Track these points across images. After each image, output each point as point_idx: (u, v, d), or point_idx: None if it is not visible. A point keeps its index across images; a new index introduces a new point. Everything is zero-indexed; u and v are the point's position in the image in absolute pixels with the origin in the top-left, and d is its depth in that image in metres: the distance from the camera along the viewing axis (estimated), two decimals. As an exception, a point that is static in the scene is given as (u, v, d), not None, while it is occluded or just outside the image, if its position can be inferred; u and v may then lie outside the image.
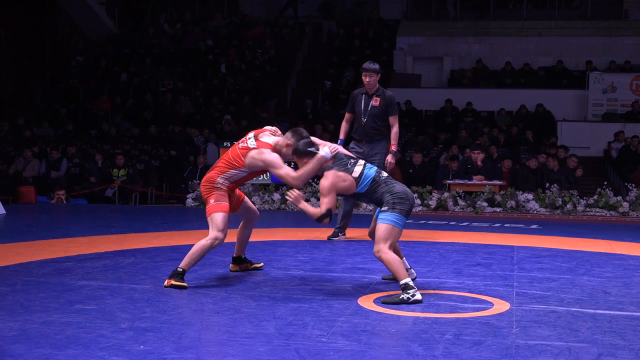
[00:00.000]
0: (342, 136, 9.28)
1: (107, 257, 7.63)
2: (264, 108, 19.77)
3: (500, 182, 13.40)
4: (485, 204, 12.73)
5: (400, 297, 5.62)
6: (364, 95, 9.16)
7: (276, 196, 13.22)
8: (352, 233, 9.50)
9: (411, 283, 5.71)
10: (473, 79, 21.86)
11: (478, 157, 13.79)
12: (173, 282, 6.03)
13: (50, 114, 20.33)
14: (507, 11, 24.45)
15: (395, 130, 9.05)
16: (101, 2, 24.15)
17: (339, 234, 9.31)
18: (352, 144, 9.21)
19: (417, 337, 4.71)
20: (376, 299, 5.77)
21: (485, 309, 5.51)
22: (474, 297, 5.90)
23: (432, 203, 12.85)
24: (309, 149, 6.18)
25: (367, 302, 5.67)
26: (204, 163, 15.64)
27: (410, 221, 11.44)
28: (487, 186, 13.08)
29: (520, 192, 13.01)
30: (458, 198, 12.89)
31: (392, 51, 22.97)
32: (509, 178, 14.28)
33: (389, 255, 5.78)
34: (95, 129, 19.56)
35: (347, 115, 9.30)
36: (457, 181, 13.46)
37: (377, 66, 9.14)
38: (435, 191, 13.31)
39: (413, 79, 22.08)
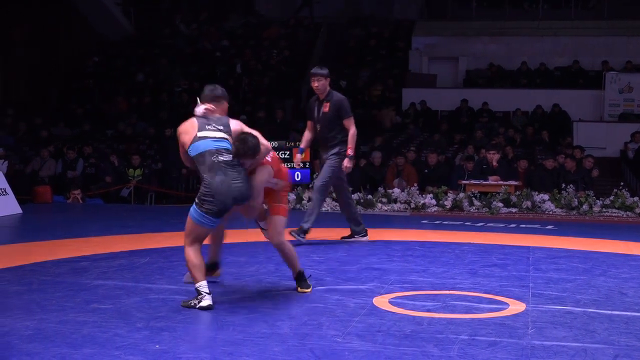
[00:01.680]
0: (302, 145, 9.06)
1: (123, 256, 7.65)
2: (280, 108, 19.76)
3: (516, 183, 13.35)
4: (500, 204, 12.69)
5: (189, 302, 5.40)
6: (316, 102, 8.81)
7: (291, 196, 13.22)
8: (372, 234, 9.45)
9: (205, 288, 5.39)
10: (489, 79, 21.80)
11: (494, 157, 13.75)
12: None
13: (67, 114, 20.40)
14: (523, 11, 24.37)
15: (351, 133, 8.63)
16: (117, 2, 24.23)
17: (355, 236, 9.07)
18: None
19: (433, 337, 4.70)
20: (391, 299, 5.76)
21: (500, 309, 5.49)
22: (490, 298, 5.88)
23: (448, 203, 12.81)
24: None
25: (382, 302, 5.66)
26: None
27: (425, 221, 11.48)
28: (503, 187, 13.04)
29: (536, 193, 12.96)
30: (473, 198, 12.86)
31: (408, 51, 22.93)
32: (525, 178, 14.22)
33: (188, 254, 5.52)
34: (111, 129, 19.62)
35: (308, 124, 8.97)
36: (472, 181, 13.42)
37: (325, 70, 8.70)
38: (450, 191, 13.28)
39: (428, 79, 22.04)
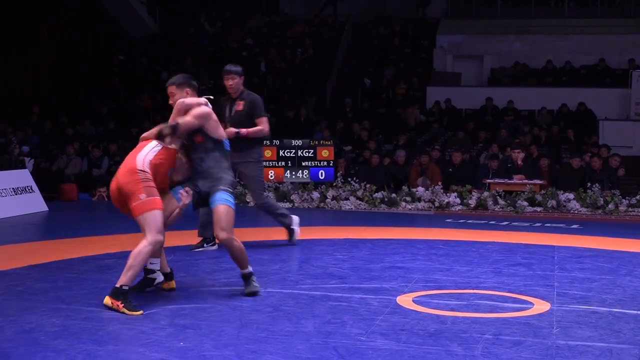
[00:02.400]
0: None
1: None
2: (304, 106, 19.76)
3: (540, 182, 13.28)
4: (525, 203, 12.63)
5: (253, 288, 5.81)
6: (228, 101, 8.41)
7: (315, 195, 13.24)
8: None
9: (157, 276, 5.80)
10: (514, 78, 21.69)
11: (518, 156, 13.68)
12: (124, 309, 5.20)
13: (92, 112, 20.53)
14: (549, 9, 24.21)
15: (260, 128, 8.25)
16: (142, 1, 24.33)
17: (205, 245, 8.22)
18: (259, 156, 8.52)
19: (456, 336, 4.69)
20: (415, 298, 5.75)
21: (525, 309, 5.47)
22: (514, 297, 5.86)
23: (472, 202, 12.77)
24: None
25: (406, 301, 5.66)
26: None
27: (449, 220, 11.45)
28: (528, 185, 12.98)
29: (561, 192, 12.89)
30: (498, 197, 12.81)
31: (432, 50, 22.85)
32: (550, 177, 14.14)
33: (238, 243, 5.74)
34: (136, 127, 19.72)
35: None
36: (497, 180, 13.37)
37: (239, 68, 8.39)
38: (475, 190, 13.23)
39: (453, 77, 21.95)
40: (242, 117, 8.26)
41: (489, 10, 24.27)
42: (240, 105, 8.30)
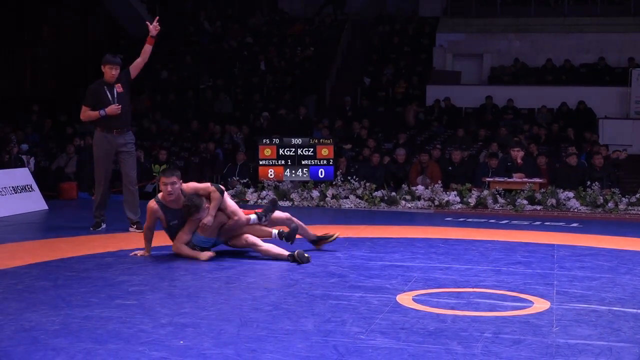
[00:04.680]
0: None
1: (148, 252, 7.69)
2: (303, 105, 19.76)
3: (540, 180, 13.28)
4: (525, 201, 12.63)
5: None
6: (105, 86, 9.27)
7: (315, 193, 13.24)
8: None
9: None
10: (513, 76, 21.69)
11: (518, 154, 13.67)
12: None
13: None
14: (548, 7, 24.20)
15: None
16: (142, 0, 24.33)
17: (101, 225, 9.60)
18: (103, 135, 9.33)
19: (456, 335, 4.69)
20: (415, 296, 5.75)
21: (525, 307, 5.47)
22: (514, 296, 5.86)
23: (472, 201, 12.77)
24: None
25: (405, 299, 5.66)
26: (243, 160, 15.69)
27: (449, 219, 11.46)
28: (527, 184, 12.98)
29: (561, 190, 12.89)
30: (498, 196, 12.81)
31: (432, 48, 22.86)
32: (549, 176, 14.14)
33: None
34: (136, 126, 19.72)
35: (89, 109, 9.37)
36: (496, 179, 13.36)
37: (120, 59, 9.48)
38: (474, 189, 13.23)
39: (453, 76, 21.95)
40: (125, 97, 9.34)
41: (488, 8, 24.25)
42: (120, 88, 9.26)
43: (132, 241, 8.39)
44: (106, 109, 9.12)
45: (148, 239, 7.52)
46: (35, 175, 13.01)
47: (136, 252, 7.53)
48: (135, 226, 9.38)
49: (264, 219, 7.51)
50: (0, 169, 12.86)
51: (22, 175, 12.37)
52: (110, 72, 9.18)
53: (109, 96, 9.19)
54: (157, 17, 9.43)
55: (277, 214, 7.79)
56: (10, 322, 4.87)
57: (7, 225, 10.16)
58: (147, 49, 9.44)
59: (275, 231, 7.52)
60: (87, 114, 9.30)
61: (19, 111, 19.39)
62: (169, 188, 7.38)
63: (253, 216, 7.46)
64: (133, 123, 19.50)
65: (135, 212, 9.49)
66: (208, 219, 7.27)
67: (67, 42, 22.09)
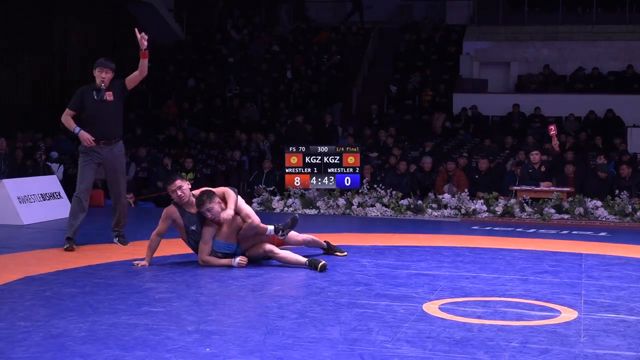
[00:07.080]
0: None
1: (174, 260, 7.73)
2: (328, 113, 19.78)
3: (568, 189, 13.18)
4: (552, 210, 12.55)
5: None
6: (94, 91, 8.74)
7: (341, 201, 13.23)
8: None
9: None
10: (541, 84, 21.58)
11: (535, 157, 13.30)
12: None
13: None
14: (576, 15, 24.06)
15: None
16: (170, 8, 24.49)
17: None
18: (86, 149, 8.76)
19: (483, 344, 4.67)
20: (441, 305, 5.73)
21: (552, 317, 5.44)
22: (541, 305, 5.83)
23: (499, 209, 12.70)
24: None
25: (432, 308, 5.64)
26: (270, 168, 15.72)
27: (476, 227, 11.41)
28: (555, 193, 12.89)
29: (589, 199, 12.79)
30: (525, 204, 12.74)
31: (459, 56, 22.81)
32: (577, 184, 14.02)
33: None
34: (163, 134, 19.84)
35: (70, 115, 8.82)
36: (523, 187, 13.28)
37: (113, 64, 8.96)
38: (501, 197, 13.16)
39: (480, 84, 21.88)
40: (115, 106, 8.81)
41: (515, 16, 24.15)
42: (110, 96, 8.73)
43: (159, 249, 8.42)
44: (80, 132, 8.65)
45: (152, 248, 7.47)
46: (63, 182, 13.09)
47: (137, 262, 7.47)
48: (117, 239, 8.99)
49: (281, 232, 7.49)
50: (29, 176, 12.96)
51: (50, 183, 12.47)
52: (100, 75, 8.68)
53: (94, 101, 8.67)
54: (137, 29, 9.10)
55: (293, 234, 7.86)
56: (39, 329, 4.91)
57: (36, 232, 10.25)
58: (143, 62, 9.01)
59: (270, 227, 7.43)
60: (66, 118, 8.83)
61: (50, 118, 19.56)
62: (179, 192, 7.45)
63: (271, 227, 7.45)
64: (161, 131, 19.81)
65: (120, 225, 9.09)
66: (228, 213, 7.25)
67: (93, 49, 22.27)
